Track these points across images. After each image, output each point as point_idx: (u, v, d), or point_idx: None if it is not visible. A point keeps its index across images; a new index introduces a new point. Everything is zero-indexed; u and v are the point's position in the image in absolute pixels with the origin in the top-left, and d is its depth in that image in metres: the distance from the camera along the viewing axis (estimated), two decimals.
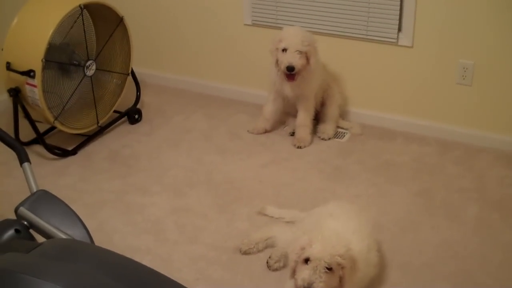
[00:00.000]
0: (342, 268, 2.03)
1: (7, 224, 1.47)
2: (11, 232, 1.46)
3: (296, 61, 3.22)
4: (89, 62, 3.44)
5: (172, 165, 3.33)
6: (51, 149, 3.39)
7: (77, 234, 1.55)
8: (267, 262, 2.53)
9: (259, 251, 2.63)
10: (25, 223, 1.49)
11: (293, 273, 2.10)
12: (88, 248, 1.50)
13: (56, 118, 3.29)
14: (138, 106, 3.85)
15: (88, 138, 3.55)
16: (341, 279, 2.05)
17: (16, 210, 1.50)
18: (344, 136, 3.59)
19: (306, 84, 3.40)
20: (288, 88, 3.40)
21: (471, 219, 2.84)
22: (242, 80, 4.04)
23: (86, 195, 3.07)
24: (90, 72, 3.46)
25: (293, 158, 3.38)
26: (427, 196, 3.01)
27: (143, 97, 3.99)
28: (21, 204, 1.51)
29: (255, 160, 3.37)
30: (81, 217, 1.52)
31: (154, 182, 3.18)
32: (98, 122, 3.57)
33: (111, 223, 2.86)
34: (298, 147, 3.47)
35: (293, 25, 3.48)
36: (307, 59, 3.28)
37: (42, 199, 1.57)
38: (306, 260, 2.03)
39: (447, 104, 3.45)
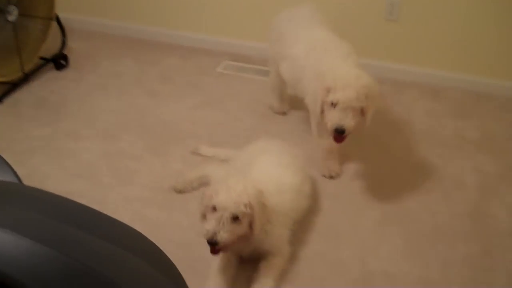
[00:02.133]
0: (251, 215, 2.05)
1: None
2: None
3: (348, 122, 2.43)
4: (10, 7, 3.30)
5: (103, 110, 3.28)
6: None
7: (6, 179, 1.52)
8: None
9: (193, 189, 2.65)
10: None
11: (203, 217, 2.13)
12: (24, 189, 1.47)
13: None
14: (64, 52, 3.73)
15: (14, 86, 3.43)
16: (251, 225, 2.08)
17: None
18: None
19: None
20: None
21: (398, 149, 2.94)
22: (171, 22, 3.97)
23: (15, 143, 2.99)
24: (11, 18, 3.32)
25: (226, 100, 3.38)
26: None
27: (71, 43, 3.87)
28: None
29: (188, 102, 3.35)
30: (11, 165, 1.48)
31: (84, 127, 3.13)
32: (23, 69, 3.45)
33: (43, 170, 2.80)
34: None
35: (343, 66, 2.57)
36: (363, 113, 2.51)
37: None
38: (214, 208, 2.04)
39: (375, 40, 3.50)
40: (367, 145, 2.97)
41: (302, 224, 2.44)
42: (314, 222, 2.49)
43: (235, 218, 2.02)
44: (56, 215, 1.39)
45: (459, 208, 2.57)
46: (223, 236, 2.00)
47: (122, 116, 3.21)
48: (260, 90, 3.43)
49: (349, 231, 2.46)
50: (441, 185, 2.71)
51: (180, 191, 2.64)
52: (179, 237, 2.40)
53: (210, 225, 2.02)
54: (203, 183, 2.64)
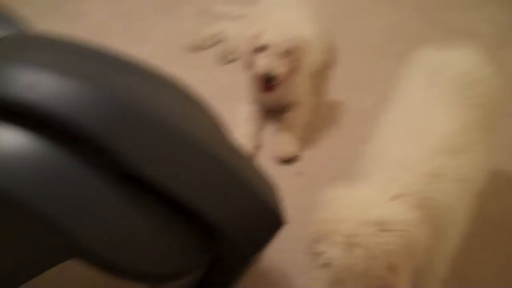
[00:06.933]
0: (297, 52, 2.09)
1: None
2: None
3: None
4: None
5: None
6: None
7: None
8: (220, 55, 2.55)
9: (209, 47, 2.64)
10: None
11: (248, 64, 2.14)
12: (47, 36, 1.46)
13: None
14: None
15: None
16: (296, 62, 2.13)
17: None
18: None
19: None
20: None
21: (410, 2, 2.93)
22: None
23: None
24: None
25: None
26: None
27: None
28: None
29: None
30: None
31: None
32: None
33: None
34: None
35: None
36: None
37: None
38: (262, 48, 2.07)
39: None
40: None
41: (321, 76, 2.47)
42: (332, 75, 2.53)
43: (287, 53, 2.06)
44: (87, 57, 1.39)
45: None
46: (279, 69, 2.06)
47: None
48: None
49: (368, 82, 2.49)
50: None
51: (197, 48, 2.62)
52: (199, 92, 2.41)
53: (263, 61, 2.05)
54: (218, 40, 2.63)
